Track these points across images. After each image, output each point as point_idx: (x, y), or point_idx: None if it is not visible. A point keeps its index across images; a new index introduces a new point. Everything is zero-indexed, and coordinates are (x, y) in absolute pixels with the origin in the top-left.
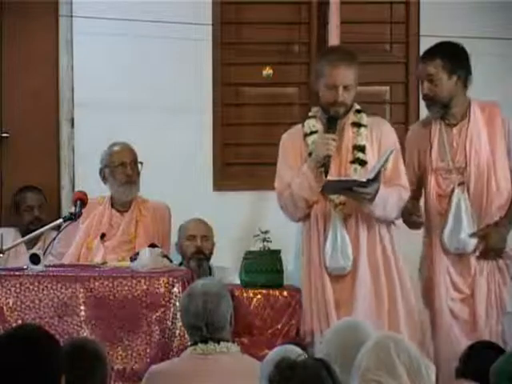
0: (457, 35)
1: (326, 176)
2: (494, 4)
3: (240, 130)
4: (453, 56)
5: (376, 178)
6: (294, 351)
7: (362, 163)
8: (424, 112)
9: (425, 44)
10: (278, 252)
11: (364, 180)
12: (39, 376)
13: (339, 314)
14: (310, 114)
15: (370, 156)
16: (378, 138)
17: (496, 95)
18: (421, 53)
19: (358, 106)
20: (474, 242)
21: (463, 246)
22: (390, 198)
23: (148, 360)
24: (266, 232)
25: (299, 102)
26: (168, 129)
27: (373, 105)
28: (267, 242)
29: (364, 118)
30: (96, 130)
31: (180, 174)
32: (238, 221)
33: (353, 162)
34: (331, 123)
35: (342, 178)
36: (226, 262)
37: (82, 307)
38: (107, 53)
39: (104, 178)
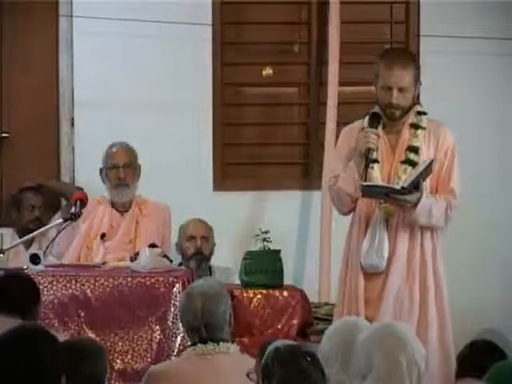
0: (457, 35)
1: (366, 170)
2: (494, 4)
3: (240, 130)
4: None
5: (416, 187)
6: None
7: (413, 164)
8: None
9: (425, 44)
10: (277, 252)
11: (398, 188)
12: (39, 376)
13: (367, 313)
14: (371, 110)
15: (425, 159)
16: (434, 143)
17: (494, 95)
18: (421, 53)
19: (420, 108)
20: None
21: None
22: (436, 207)
23: (149, 360)
24: (266, 232)
25: (299, 102)
26: (168, 129)
27: (373, 105)
28: (267, 242)
29: (424, 121)
30: (96, 130)
31: (180, 173)
32: (238, 221)
33: (404, 162)
34: (374, 118)
35: (378, 184)
36: (226, 262)
37: (82, 307)
38: (107, 53)
39: (102, 179)
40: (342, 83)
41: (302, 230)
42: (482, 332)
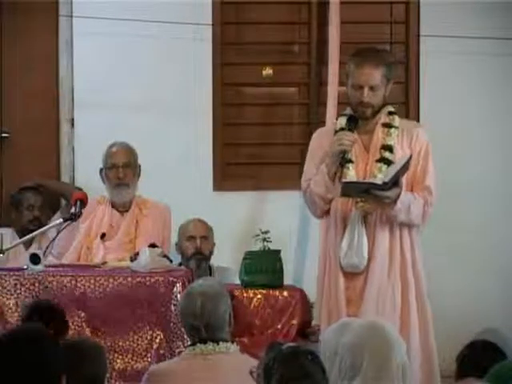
0: (457, 35)
1: (342, 171)
2: (494, 4)
3: (240, 130)
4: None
5: (396, 183)
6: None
7: (388, 163)
8: (423, 112)
9: (425, 44)
10: (277, 252)
11: (379, 183)
12: (39, 376)
13: (349, 312)
14: (343, 112)
15: (399, 157)
16: (407, 142)
17: (495, 95)
18: (421, 53)
19: (391, 108)
20: None
21: None
22: (415, 204)
23: (149, 360)
24: (266, 232)
25: (299, 102)
26: (168, 129)
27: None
28: (267, 241)
29: (396, 120)
30: (96, 130)
31: (180, 174)
32: (238, 221)
33: (379, 160)
34: (351, 122)
35: (359, 180)
36: (226, 262)
37: (82, 307)
38: (107, 53)
39: (102, 179)
40: (342, 83)
41: (302, 230)
42: (482, 332)
